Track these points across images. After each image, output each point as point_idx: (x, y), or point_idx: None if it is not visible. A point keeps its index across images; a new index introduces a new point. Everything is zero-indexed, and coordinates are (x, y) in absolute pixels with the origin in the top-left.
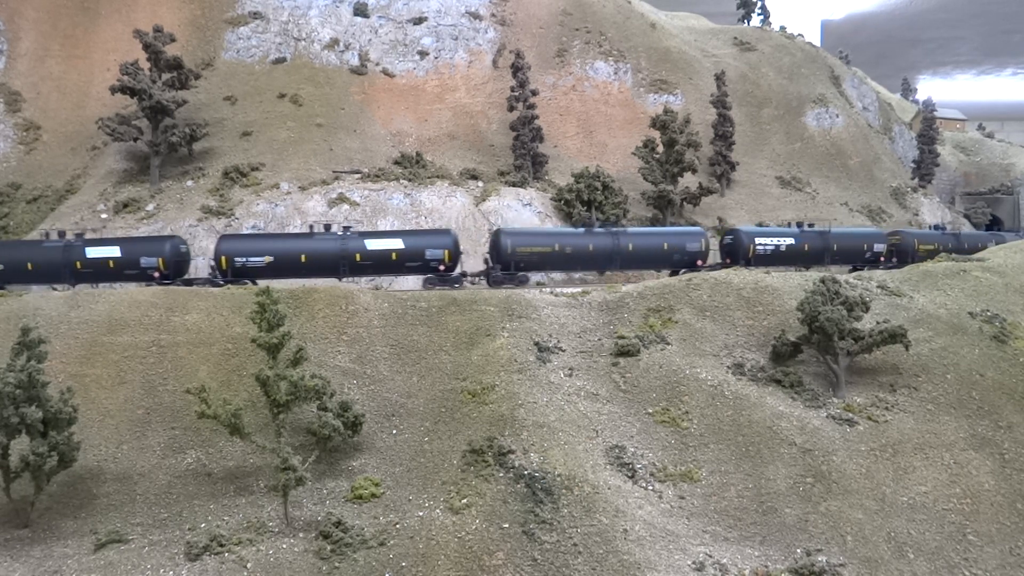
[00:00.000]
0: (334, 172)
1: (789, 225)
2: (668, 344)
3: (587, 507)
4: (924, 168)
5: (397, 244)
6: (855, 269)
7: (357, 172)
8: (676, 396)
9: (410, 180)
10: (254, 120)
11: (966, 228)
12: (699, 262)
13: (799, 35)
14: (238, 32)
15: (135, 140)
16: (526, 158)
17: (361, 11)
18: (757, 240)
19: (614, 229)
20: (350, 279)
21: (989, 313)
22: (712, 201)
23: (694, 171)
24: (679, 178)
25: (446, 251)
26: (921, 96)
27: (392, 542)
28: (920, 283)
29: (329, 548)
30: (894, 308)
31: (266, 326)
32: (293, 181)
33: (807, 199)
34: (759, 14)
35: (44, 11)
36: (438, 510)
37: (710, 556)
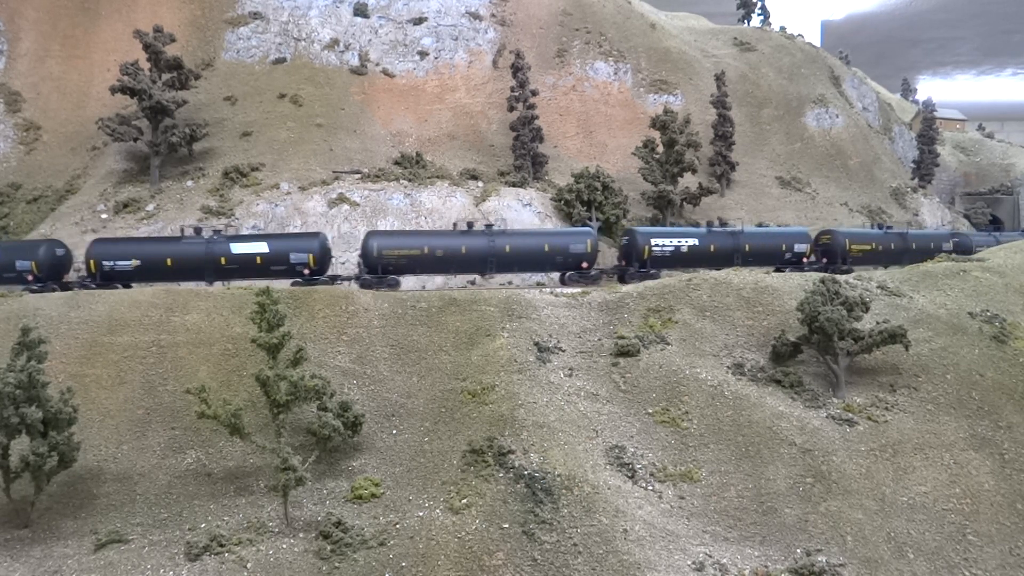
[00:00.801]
0: (334, 172)
1: (698, 225)
2: (668, 344)
3: (587, 507)
4: (924, 168)
5: (262, 248)
6: (779, 271)
7: (357, 172)
8: (676, 396)
9: (410, 180)
10: (254, 120)
11: (964, 228)
12: (584, 264)
13: (799, 35)
14: (238, 32)
15: (135, 140)
16: (526, 158)
17: (361, 11)
18: (654, 241)
19: (492, 230)
20: (217, 283)
21: (989, 313)
22: (712, 201)
23: (694, 171)
24: (679, 178)
25: (311, 255)
26: (921, 96)
27: (392, 542)
28: (920, 283)
29: (329, 548)
30: (894, 308)
31: (266, 326)
32: (293, 181)
33: (807, 199)
34: (759, 14)
35: (44, 11)
36: (438, 510)
37: (710, 556)
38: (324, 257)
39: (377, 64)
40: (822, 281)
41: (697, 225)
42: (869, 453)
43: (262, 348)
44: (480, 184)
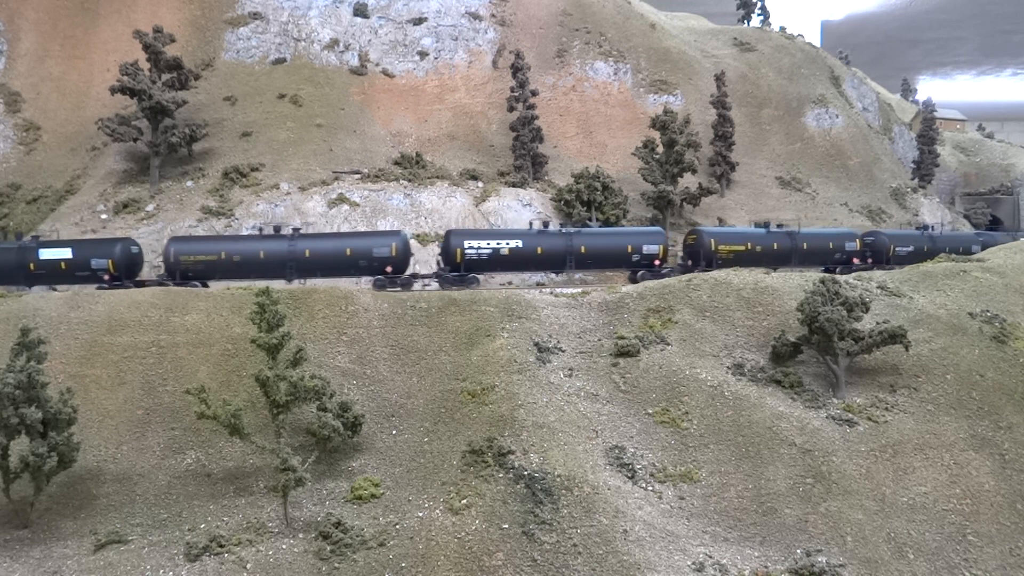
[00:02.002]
0: (334, 172)
1: (546, 225)
2: (668, 344)
3: (587, 508)
4: (924, 168)
5: (66, 254)
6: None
7: (357, 172)
8: (676, 396)
9: (410, 180)
10: (254, 120)
11: (965, 227)
12: (388, 269)
13: (799, 35)
14: (238, 32)
15: (135, 140)
16: (526, 158)
17: (361, 11)
18: (467, 243)
19: (294, 233)
20: (26, 288)
21: (989, 313)
22: (712, 201)
23: (694, 171)
24: (679, 178)
25: (110, 261)
26: (921, 96)
27: (392, 542)
28: (920, 283)
29: (329, 549)
30: (894, 308)
31: (266, 327)
32: (293, 181)
33: (807, 199)
34: (759, 14)
35: (44, 11)
36: (438, 510)
37: (710, 556)
38: (128, 263)
39: (377, 64)
40: (822, 281)
41: (698, 225)
42: (869, 453)
43: (262, 348)
44: (480, 184)
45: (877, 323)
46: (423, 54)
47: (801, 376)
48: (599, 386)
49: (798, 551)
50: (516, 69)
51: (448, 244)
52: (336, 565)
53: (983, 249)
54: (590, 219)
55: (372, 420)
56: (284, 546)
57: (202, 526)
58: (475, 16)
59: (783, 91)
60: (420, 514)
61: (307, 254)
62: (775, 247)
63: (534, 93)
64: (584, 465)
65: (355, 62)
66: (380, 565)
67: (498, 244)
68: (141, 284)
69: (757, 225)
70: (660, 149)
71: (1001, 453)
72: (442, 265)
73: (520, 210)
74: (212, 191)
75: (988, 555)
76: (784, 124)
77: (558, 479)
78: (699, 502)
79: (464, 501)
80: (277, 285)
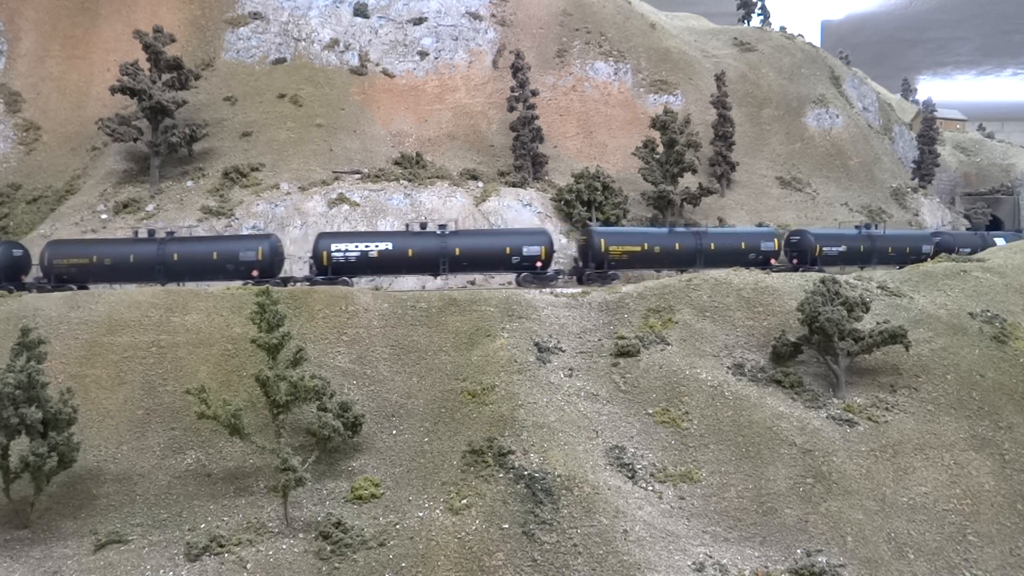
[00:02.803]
0: (334, 172)
1: (423, 227)
2: (668, 344)
3: (587, 508)
4: (924, 168)
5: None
6: (518, 279)
7: (357, 172)
8: (676, 396)
9: (410, 180)
10: (254, 120)
11: (964, 228)
12: (255, 272)
13: (799, 35)
14: (238, 32)
15: (135, 140)
16: (526, 158)
17: (361, 11)
18: (334, 246)
19: (165, 237)
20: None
21: (989, 313)
22: (712, 201)
23: (694, 171)
24: (679, 178)
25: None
26: (921, 96)
27: (392, 542)
28: (920, 283)
29: (329, 549)
30: (894, 308)
31: (266, 327)
32: (293, 181)
33: (807, 199)
34: (759, 14)
35: (44, 11)
36: (438, 510)
37: (710, 557)
38: (273, 258)
39: (377, 64)
40: (822, 281)
41: (697, 225)
42: (869, 453)
43: (262, 348)
44: (480, 184)
45: (877, 323)
46: (423, 54)
47: (801, 376)
48: (599, 386)
49: (798, 551)
50: (516, 69)
51: (316, 247)
52: (336, 565)
53: (937, 251)
54: (590, 219)
55: (372, 420)
56: (284, 546)
57: (202, 526)
58: (475, 16)
59: (783, 91)
60: (420, 514)
61: (175, 258)
62: (676, 248)
63: (534, 93)
64: (584, 465)
65: (355, 62)
66: (380, 565)
67: (367, 247)
68: (23, 288)
69: (659, 225)
70: (660, 149)
71: (1001, 453)
72: (313, 268)
73: (520, 210)
74: (212, 191)
75: (988, 555)
76: (784, 124)
77: (558, 479)
78: (699, 502)
79: (464, 501)
80: (149, 288)
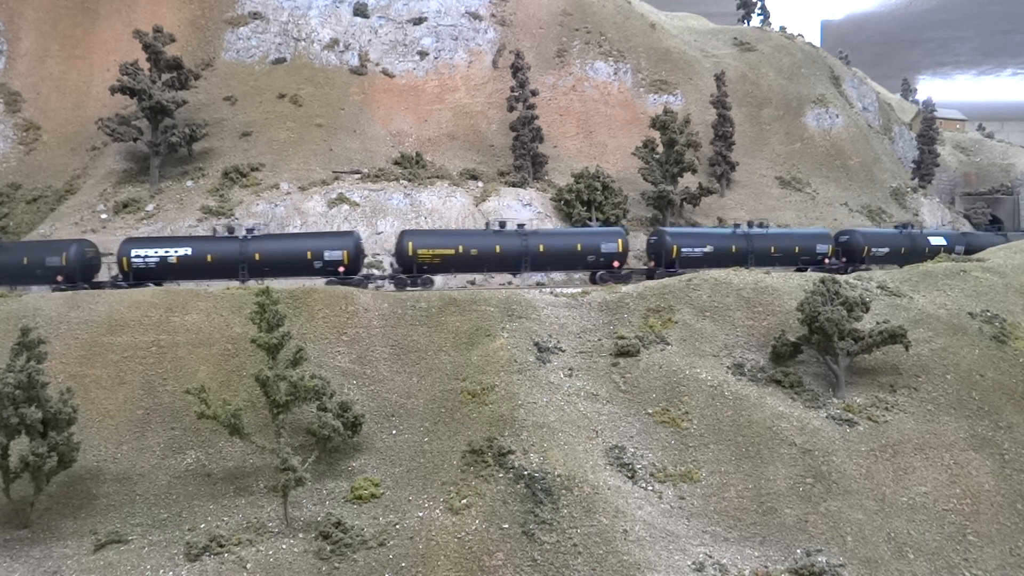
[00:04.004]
0: (334, 172)
1: (232, 231)
2: (668, 344)
3: (587, 507)
4: (924, 168)
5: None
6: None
7: (357, 172)
8: (676, 396)
9: (410, 180)
10: (254, 120)
11: (966, 227)
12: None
13: (799, 35)
14: (238, 32)
15: (135, 140)
16: (526, 158)
17: (361, 11)
18: (135, 252)
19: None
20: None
21: (989, 313)
22: (712, 201)
23: (694, 171)
24: (679, 178)
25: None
26: (921, 96)
27: (392, 542)
28: (920, 283)
29: (329, 548)
30: (894, 308)
31: (266, 326)
32: (293, 181)
33: (807, 199)
34: (759, 14)
35: (44, 11)
36: (438, 510)
37: (710, 556)
38: (85, 261)
39: (377, 64)
40: (822, 281)
41: (696, 225)
42: (869, 453)
43: (262, 348)
44: (480, 184)
45: (877, 323)
46: (423, 54)
47: (801, 376)
48: (599, 386)
49: (798, 551)
50: (516, 69)
51: (119, 252)
52: (336, 565)
53: (828, 254)
54: (590, 219)
55: (372, 420)
56: (284, 546)
57: (202, 526)
58: (475, 16)
59: (783, 91)
60: (420, 514)
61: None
62: (496, 250)
63: (534, 93)
64: (584, 465)
65: (355, 62)
66: (380, 565)
67: (166, 252)
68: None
69: (488, 226)
70: (660, 149)
71: (1001, 453)
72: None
73: (520, 210)
74: (212, 191)
75: (988, 555)
76: (784, 124)
77: (558, 479)
78: (699, 502)
79: (464, 501)
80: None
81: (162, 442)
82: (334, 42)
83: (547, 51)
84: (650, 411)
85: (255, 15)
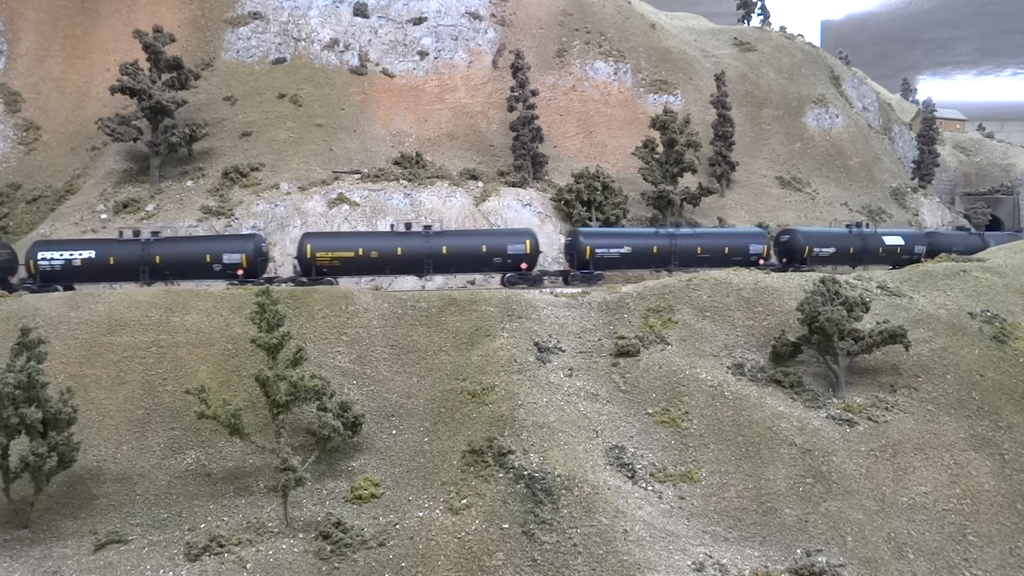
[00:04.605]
0: (334, 172)
1: (133, 234)
2: (668, 344)
3: (587, 507)
4: (924, 168)
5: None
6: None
7: (357, 172)
8: (676, 396)
9: (410, 180)
10: (254, 120)
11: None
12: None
13: (799, 35)
14: (238, 32)
15: (135, 140)
16: (526, 158)
17: (361, 11)
18: (41, 254)
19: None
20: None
21: (989, 313)
22: (712, 201)
23: (694, 171)
24: (679, 178)
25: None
26: (921, 96)
27: (392, 542)
28: (920, 283)
29: (329, 548)
30: (894, 308)
31: (266, 326)
32: (293, 181)
33: (807, 199)
34: (759, 14)
35: (44, 11)
36: (438, 510)
37: (710, 556)
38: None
39: (377, 64)
40: (822, 281)
41: (695, 224)
42: (869, 453)
43: (262, 348)
44: (480, 184)
45: (877, 323)
46: (423, 54)
47: (801, 376)
48: (599, 386)
49: (798, 551)
50: (516, 69)
51: (26, 255)
52: (336, 565)
53: (762, 254)
54: (590, 219)
55: (372, 420)
56: (284, 546)
57: (202, 526)
58: (475, 16)
59: (783, 91)
60: (420, 514)
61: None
62: (398, 252)
63: (534, 93)
64: (584, 465)
65: (355, 62)
66: (380, 565)
67: (71, 255)
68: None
69: (393, 227)
70: (660, 149)
71: (1001, 453)
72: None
73: (520, 210)
74: (212, 191)
75: (988, 555)
76: (784, 124)
77: (558, 479)
78: (699, 502)
79: (464, 501)
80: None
81: (162, 442)
82: (334, 42)
83: (547, 51)
84: (650, 411)
85: (255, 15)
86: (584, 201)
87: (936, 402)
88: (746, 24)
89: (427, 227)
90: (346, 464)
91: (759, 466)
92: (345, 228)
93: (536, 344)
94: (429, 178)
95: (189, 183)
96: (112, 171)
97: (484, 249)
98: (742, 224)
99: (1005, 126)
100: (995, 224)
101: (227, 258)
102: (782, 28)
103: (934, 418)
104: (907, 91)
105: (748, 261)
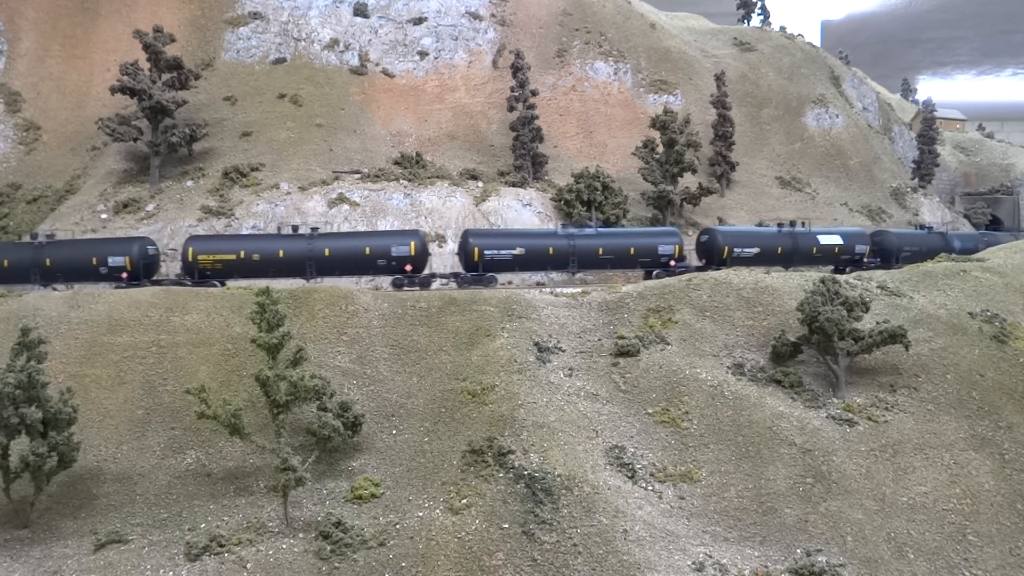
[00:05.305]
0: (334, 172)
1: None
2: (668, 344)
3: (587, 507)
4: (924, 168)
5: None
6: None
7: (357, 172)
8: (676, 396)
9: (410, 180)
10: (254, 120)
11: (965, 228)
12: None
13: (799, 35)
14: (238, 32)
15: (135, 140)
16: (526, 158)
17: (361, 11)
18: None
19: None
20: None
21: (989, 313)
22: (712, 201)
23: (694, 171)
24: (679, 178)
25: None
26: (921, 96)
27: (392, 542)
28: (920, 283)
29: (329, 548)
30: (894, 308)
31: (266, 326)
32: (293, 181)
33: (807, 199)
34: (759, 14)
35: (44, 11)
36: (438, 510)
37: (710, 556)
38: None
39: (377, 64)
40: (822, 281)
41: (674, 226)
42: (869, 453)
43: (262, 348)
44: (480, 184)
45: (877, 323)
46: (423, 54)
47: (801, 376)
48: (599, 386)
49: (798, 551)
50: (516, 69)
51: None
52: (336, 565)
53: (673, 255)
54: (590, 219)
55: (372, 420)
56: (284, 546)
57: (202, 526)
58: (475, 16)
59: (783, 91)
60: (420, 514)
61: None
62: (280, 255)
63: (534, 93)
64: (584, 465)
65: (355, 62)
66: (380, 565)
67: None
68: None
69: (280, 230)
70: (660, 149)
71: (1001, 453)
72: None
73: (520, 210)
74: (212, 191)
75: (988, 555)
76: (784, 124)
77: (558, 479)
78: (699, 502)
79: (464, 501)
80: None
81: (162, 442)
82: (334, 42)
83: (547, 51)
84: (650, 411)
85: (255, 15)
86: (584, 201)
87: (936, 402)
88: (746, 24)
89: (314, 229)
90: (346, 464)
91: (759, 466)
92: (345, 228)
93: (536, 344)
94: (429, 178)
95: (189, 183)
96: (112, 171)
97: (367, 251)
98: (743, 224)
99: (1005, 126)
100: (995, 224)
101: (112, 261)
102: (782, 28)
103: (934, 418)
104: (907, 91)
105: (658, 263)
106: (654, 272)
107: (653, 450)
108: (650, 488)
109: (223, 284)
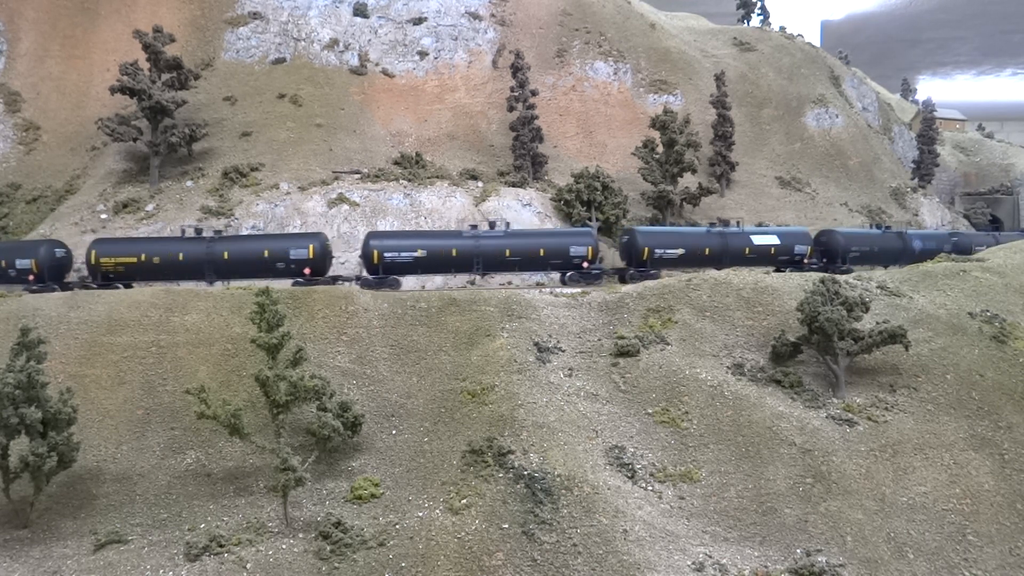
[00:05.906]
0: (334, 172)
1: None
2: (668, 344)
3: (587, 507)
4: (924, 168)
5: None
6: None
7: (357, 172)
8: (676, 396)
9: (410, 180)
10: (254, 120)
11: (963, 227)
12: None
13: (799, 35)
14: (238, 32)
15: (135, 140)
16: (526, 158)
17: (361, 11)
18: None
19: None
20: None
21: (989, 313)
22: (712, 201)
23: (694, 171)
24: (679, 178)
25: None
26: (921, 96)
27: (392, 542)
28: (920, 283)
29: (329, 548)
30: (894, 308)
31: (265, 326)
32: (293, 181)
33: (807, 199)
34: (759, 14)
35: (44, 11)
36: (438, 510)
37: (710, 556)
38: None
39: (377, 64)
40: (822, 281)
41: (695, 224)
42: (869, 453)
43: (262, 348)
44: (480, 184)
45: (877, 323)
46: (423, 54)
47: (801, 376)
48: (599, 386)
49: (798, 551)
50: (516, 69)
51: None
52: (336, 565)
53: (586, 257)
54: (590, 219)
55: (372, 420)
56: (284, 546)
57: (202, 526)
58: (475, 16)
59: (783, 91)
60: (420, 514)
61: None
62: (179, 258)
63: (534, 93)
64: (584, 465)
65: (355, 62)
66: (380, 565)
67: None
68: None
69: (183, 232)
70: (660, 149)
71: (1001, 453)
72: None
73: (520, 210)
74: (212, 191)
75: (988, 555)
76: (784, 124)
77: (558, 479)
78: (699, 502)
79: (464, 501)
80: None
81: (162, 442)
82: (334, 42)
83: (547, 51)
84: (650, 411)
85: (255, 15)
86: (584, 201)
87: (936, 402)
88: (746, 24)
89: (217, 232)
90: (346, 464)
91: (759, 466)
92: (345, 228)
93: (536, 344)
94: (429, 178)
95: (189, 183)
96: (112, 171)
97: (266, 254)
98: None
99: (1005, 126)
100: (995, 224)
101: (19, 263)
102: (782, 28)
103: (934, 418)
104: (907, 91)
105: (570, 264)
106: (567, 274)
107: (653, 450)
108: (650, 488)
109: (129, 286)
